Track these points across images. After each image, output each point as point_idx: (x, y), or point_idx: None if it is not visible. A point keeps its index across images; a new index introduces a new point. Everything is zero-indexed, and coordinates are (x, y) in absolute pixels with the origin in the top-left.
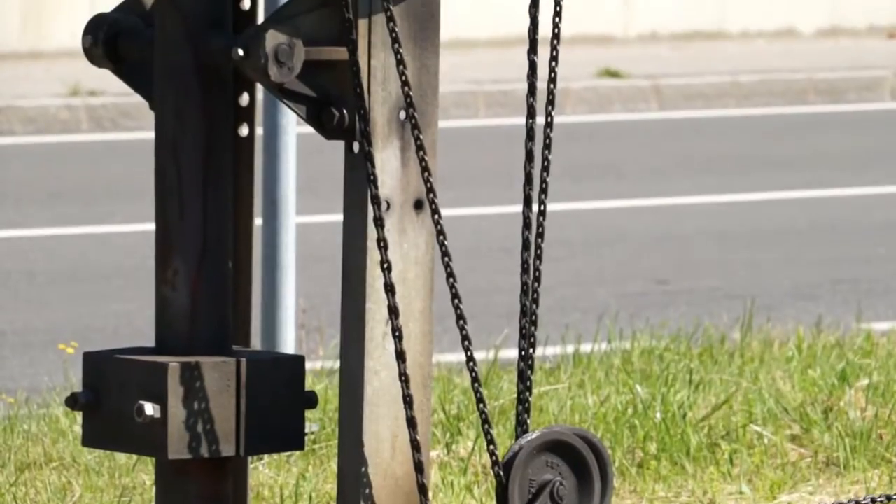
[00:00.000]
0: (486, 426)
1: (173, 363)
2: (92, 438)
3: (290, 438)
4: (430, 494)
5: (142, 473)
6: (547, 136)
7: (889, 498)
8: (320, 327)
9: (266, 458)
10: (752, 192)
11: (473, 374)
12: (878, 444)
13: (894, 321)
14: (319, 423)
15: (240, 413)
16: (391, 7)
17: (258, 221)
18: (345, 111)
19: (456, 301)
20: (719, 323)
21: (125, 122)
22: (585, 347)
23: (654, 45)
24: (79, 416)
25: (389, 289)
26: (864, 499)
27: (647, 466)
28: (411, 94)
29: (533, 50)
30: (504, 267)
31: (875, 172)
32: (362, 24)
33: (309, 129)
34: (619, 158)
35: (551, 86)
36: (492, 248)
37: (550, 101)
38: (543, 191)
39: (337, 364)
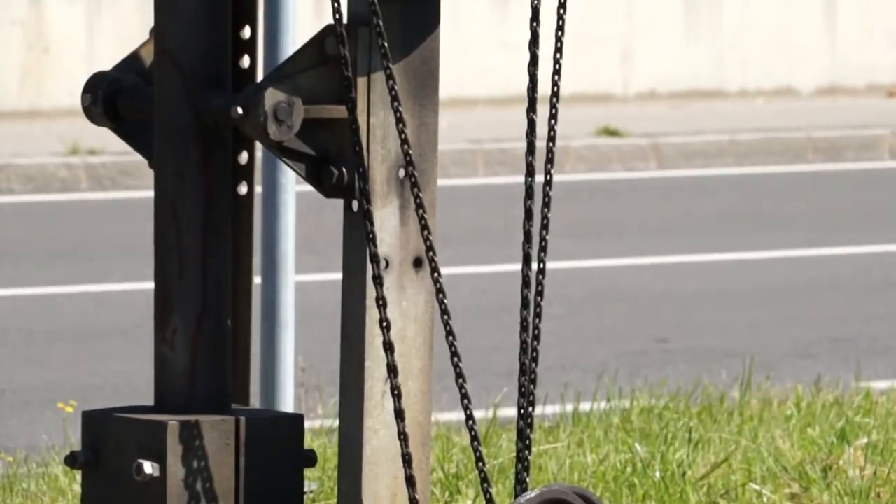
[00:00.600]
0: (486, 485)
1: (172, 422)
2: (91, 497)
3: (289, 497)
4: None
5: None
6: (546, 194)
7: None
8: (319, 386)
9: None
10: (751, 250)
11: (473, 433)
12: (877, 503)
13: (893, 380)
14: (318, 481)
15: (239, 472)
16: (390, 66)
17: (257, 279)
18: (344, 169)
19: (455, 360)
20: (718, 381)
21: (124, 180)
22: (585, 406)
23: (653, 103)
24: (78, 475)
25: (388, 347)
26: None
27: None
28: (410, 152)
29: (532, 108)
30: (503, 325)
31: (874, 231)
32: (361, 82)
33: (308, 188)
34: (618, 217)
35: (550, 143)
36: (491, 306)
37: (550, 159)
38: (543, 248)
39: (336, 422)
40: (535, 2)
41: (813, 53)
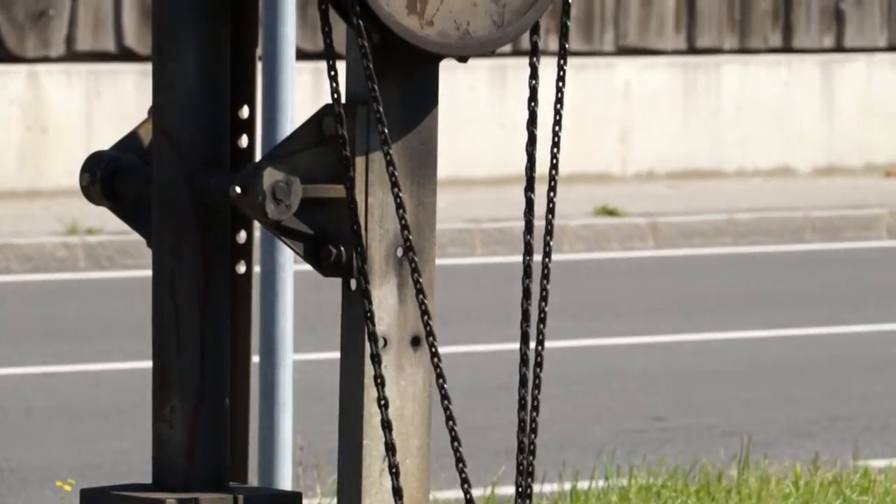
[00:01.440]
0: None
1: (171, 500)
2: None
3: None
4: None
5: None
6: (545, 267)
7: None
8: (318, 464)
9: None
10: (749, 329)
11: None
12: None
13: (892, 458)
14: None
15: None
16: (390, 150)
17: (256, 358)
18: (342, 248)
19: (455, 444)
20: (716, 459)
21: (123, 260)
22: (583, 484)
23: (650, 183)
24: None
25: (387, 425)
26: None
27: None
28: (408, 232)
29: (530, 188)
30: (501, 404)
31: (872, 310)
32: (360, 161)
33: (306, 267)
34: (616, 296)
35: (549, 216)
36: (489, 385)
37: (549, 232)
38: (542, 320)
39: (334, 501)
40: (534, 82)
41: (811, 133)
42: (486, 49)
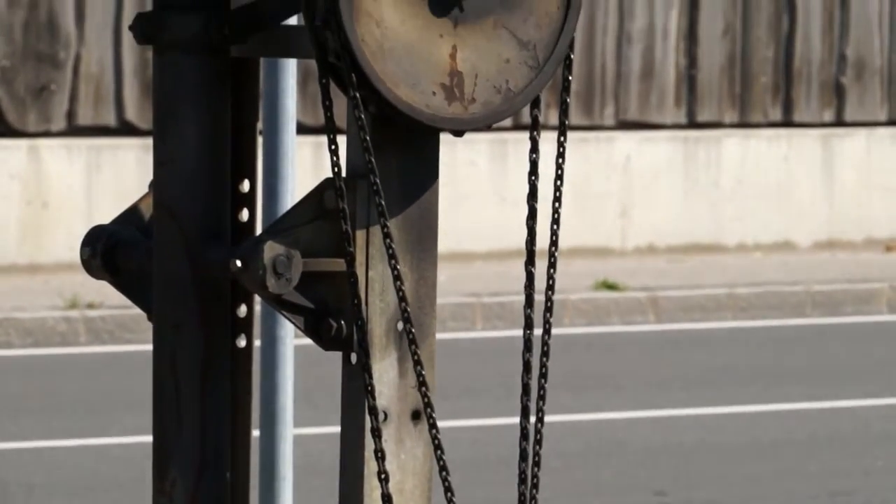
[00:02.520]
0: None
1: None
2: None
3: None
4: None
5: None
6: (545, 343)
7: None
8: None
9: None
10: (750, 404)
11: None
12: None
13: None
14: None
15: None
16: (388, 221)
17: (256, 432)
18: (342, 322)
19: None
20: None
21: (123, 334)
22: None
23: (651, 257)
24: None
25: (387, 499)
26: None
27: None
28: (409, 306)
29: (530, 261)
30: (502, 478)
31: (873, 384)
32: (360, 235)
33: (307, 340)
34: (616, 370)
35: (549, 293)
36: (489, 459)
37: (548, 308)
38: (541, 397)
39: None
40: (534, 155)
41: (811, 207)
42: (487, 122)
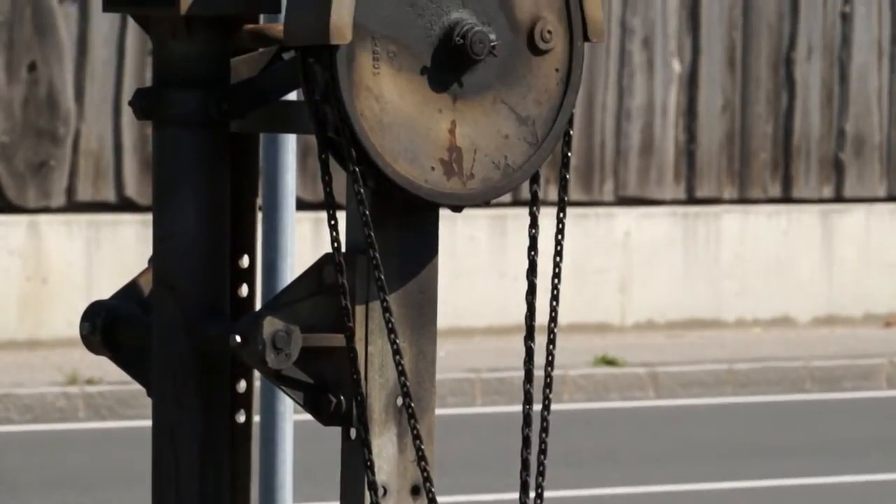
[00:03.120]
0: None
1: None
2: None
3: None
4: None
5: None
6: (544, 420)
7: None
8: None
9: None
10: (749, 479)
11: None
12: None
13: None
14: None
15: None
16: (388, 296)
17: None
18: (342, 397)
19: None
20: None
21: (123, 410)
22: None
23: (650, 332)
24: None
25: None
26: None
27: None
28: (408, 381)
29: (530, 336)
30: None
31: (873, 460)
32: (359, 310)
33: (306, 415)
34: (616, 445)
35: (549, 369)
36: None
37: (548, 385)
38: (541, 473)
39: None
40: (533, 231)
41: (810, 283)
42: (486, 198)
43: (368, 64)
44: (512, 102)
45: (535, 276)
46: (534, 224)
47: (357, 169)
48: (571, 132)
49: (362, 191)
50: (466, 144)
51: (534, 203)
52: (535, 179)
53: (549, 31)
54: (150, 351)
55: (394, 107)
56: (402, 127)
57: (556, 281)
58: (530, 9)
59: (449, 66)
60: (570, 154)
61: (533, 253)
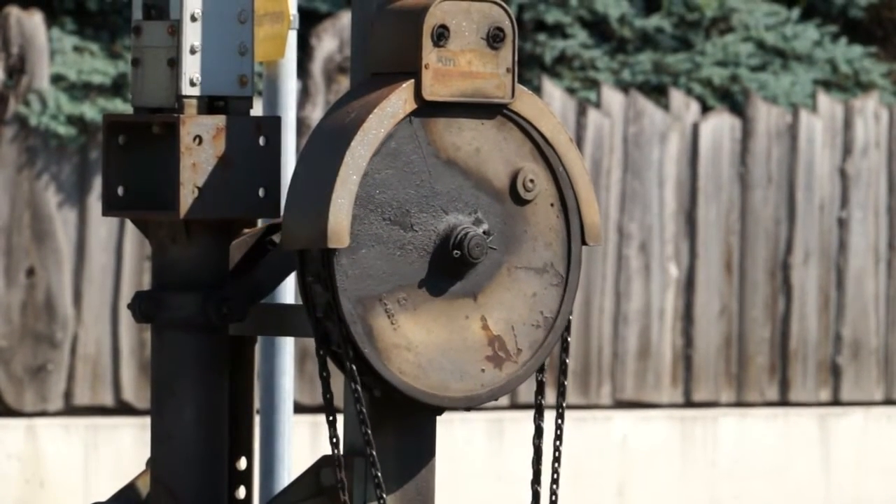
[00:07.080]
0: None
1: None
2: None
3: None
4: None
5: None
6: None
7: None
8: None
9: None
10: None
11: None
12: None
13: None
14: None
15: None
16: (385, 497)
17: None
18: None
19: None
20: None
21: None
22: None
23: None
24: None
25: None
26: None
27: None
28: None
29: None
30: None
31: None
32: None
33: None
34: None
35: None
36: None
37: None
38: None
39: None
40: (538, 441)
41: (808, 486)
42: (482, 402)
43: (387, 324)
44: (525, 262)
45: (540, 485)
46: (539, 414)
47: (354, 367)
48: (569, 339)
49: (359, 389)
50: (503, 328)
51: (539, 392)
52: (541, 370)
53: (532, 180)
54: None
55: (427, 347)
56: (444, 357)
57: (554, 486)
58: (505, 169)
59: (455, 274)
60: (567, 361)
61: (537, 464)
